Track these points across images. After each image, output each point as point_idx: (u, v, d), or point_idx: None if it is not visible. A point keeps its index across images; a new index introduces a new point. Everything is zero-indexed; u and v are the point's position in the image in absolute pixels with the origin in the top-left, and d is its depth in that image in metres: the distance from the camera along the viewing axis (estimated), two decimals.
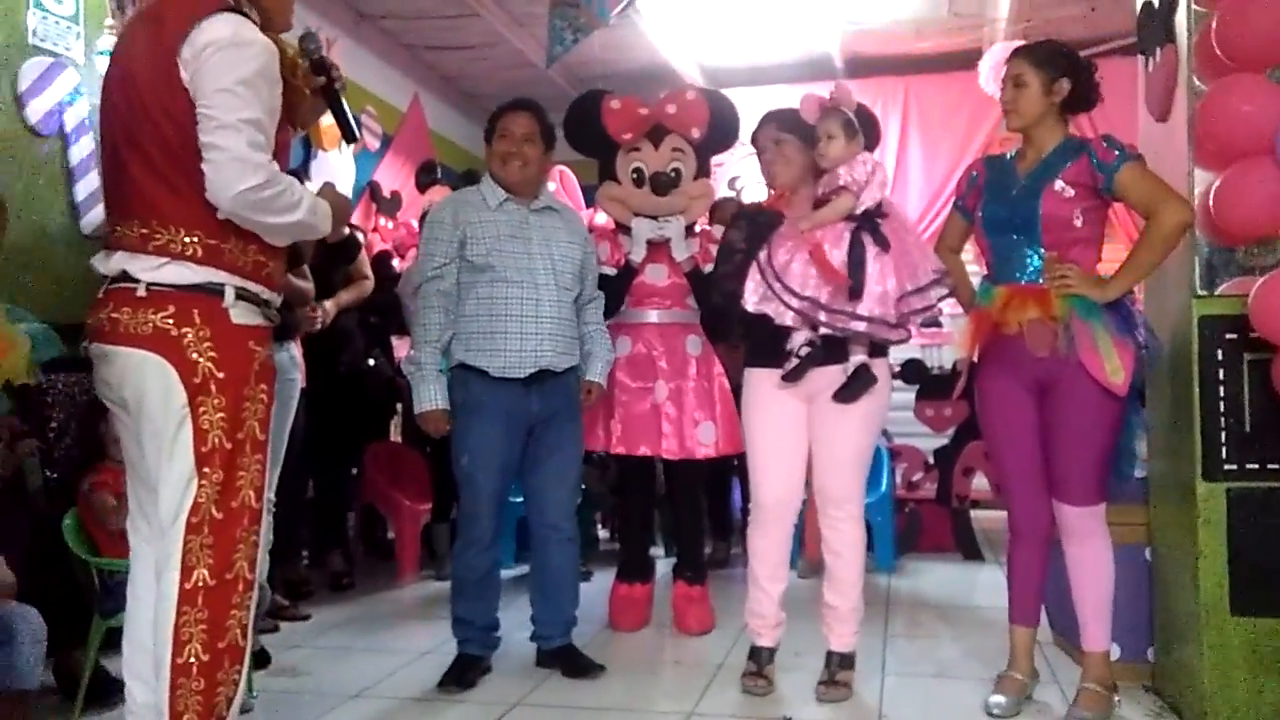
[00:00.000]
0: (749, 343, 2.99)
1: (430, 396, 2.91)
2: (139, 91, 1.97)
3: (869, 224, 2.69)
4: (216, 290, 1.98)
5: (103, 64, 3.68)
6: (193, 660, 1.92)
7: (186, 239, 1.97)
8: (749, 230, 2.87)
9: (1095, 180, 2.49)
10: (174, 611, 1.92)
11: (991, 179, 2.68)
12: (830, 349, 2.73)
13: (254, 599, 2.01)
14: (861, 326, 2.66)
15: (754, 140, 2.95)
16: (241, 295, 2.01)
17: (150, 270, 1.97)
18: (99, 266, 2.06)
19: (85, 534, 2.80)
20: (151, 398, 1.96)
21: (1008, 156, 2.70)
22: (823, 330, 2.71)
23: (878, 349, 2.79)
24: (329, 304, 3.81)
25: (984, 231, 2.67)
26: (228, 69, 1.92)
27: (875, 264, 2.64)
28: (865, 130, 2.80)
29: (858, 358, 2.73)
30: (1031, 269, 2.56)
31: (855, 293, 2.63)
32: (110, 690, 2.84)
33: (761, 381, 2.87)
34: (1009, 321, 2.54)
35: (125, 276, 1.99)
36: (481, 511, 2.96)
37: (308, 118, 2.43)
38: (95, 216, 3.59)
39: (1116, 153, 2.47)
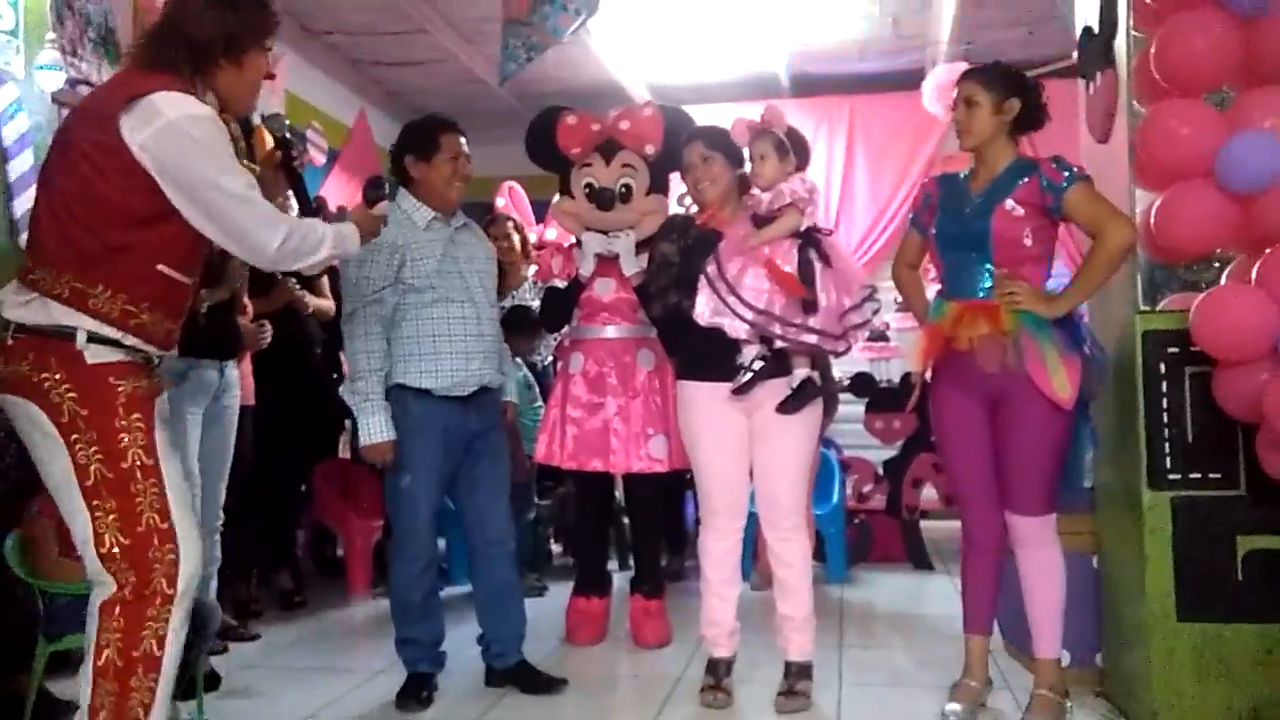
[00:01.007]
0: (683, 356, 3.03)
1: (379, 428, 2.87)
2: (72, 141, 2.08)
3: (812, 240, 2.75)
4: (68, 334, 2.04)
5: (43, 79, 3.60)
6: (106, 664, 2.03)
7: (59, 279, 2.04)
8: (683, 244, 2.92)
9: (1045, 200, 2.56)
10: (96, 622, 2.04)
11: (945, 197, 2.75)
12: (776, 362, 2.78)
13: (174, 612, 2.07)
14: (813, 339, 2.71)
15: (680, 157, 2.99)
16: (95, 339, 2.06)
17: (17, 307, 2.06)
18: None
19: (28, 556, 2.72)
20: (32, 439, 2.07)
21: (961, 176, 2.76)
22: (777, 344, 2.75)
23: (817, 362, 2.85)
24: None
25: (938, 248, 2.74)
26: (191, 146, 2.02)
27: (822, 278, 2.71)
28: (797, 151, 2.86)
29: (801, 371, 2.78)
30: (983, 286, 2.62)
31: (811, 306, 2.67)
32: (55, 713, 2.77)
33: (700, 395, 2.90)
34: (961, 337, 2.60)
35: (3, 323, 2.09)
36: (423, 530, 2.95)
37: (270, 192, 2.48)
38: None
39: (1066, 174, 2.54)
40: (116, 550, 2.02)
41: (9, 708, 2.75)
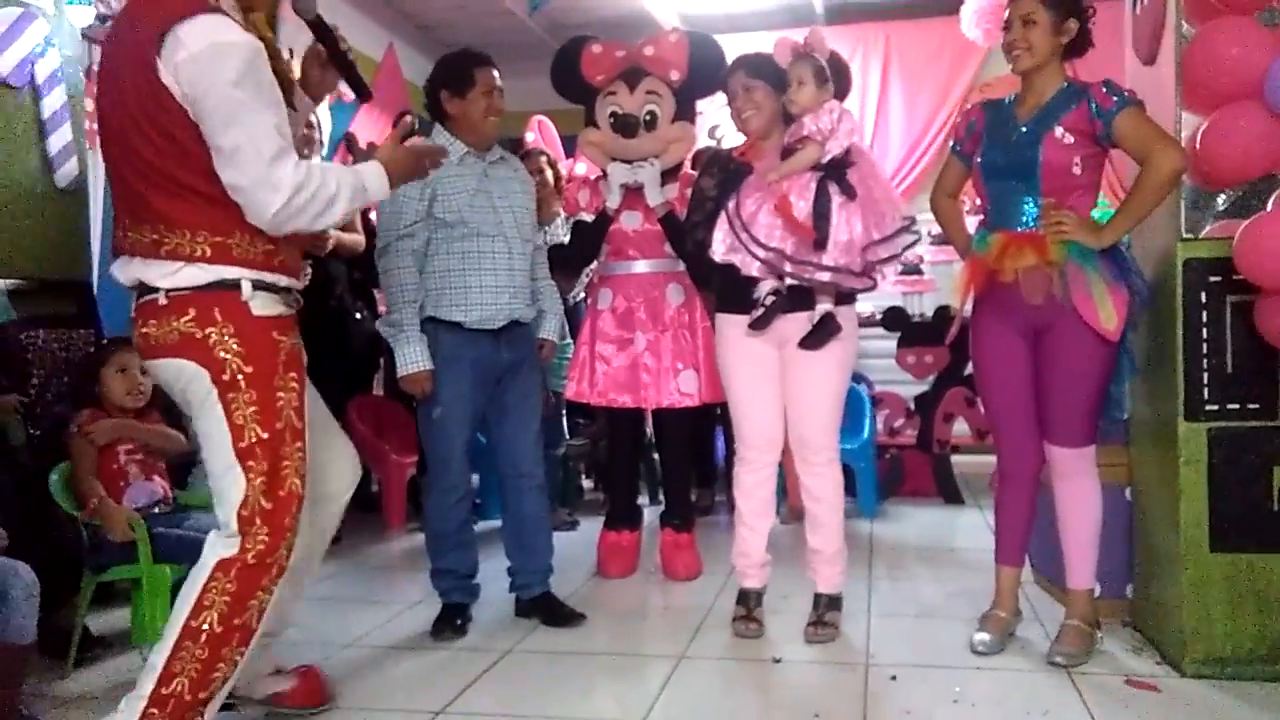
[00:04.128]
0: (719, 288, 3.01)
1: (415, 358, 2.89)
2: (125, 102, 1.96)
3: (835, 173, 2.69)
4: (232, 285, 2.01)
5: (73, 14, 3.59)
6: (205, 627, 1.98)
7: (195, 240, 1.99)
8: (720, 178, 2.88)
9: (1094, 127, 2.48)
10: (206, 576, 1.99)
11: (991, 125, 2.67)
12: (796, 297, 2.76)
13: (282, 585, 2.06)
14: (826, 276, 2.68)
15: (725, 86, 2.93)
16: (259, 286, 2.03)
17: (167, 276, 2.00)
18: (117, 275, 2.09)
19: (74, 490, 2.79)
20: (187, 399, 2.05)
21: (1006, 101, 2.68)
22: (788, 280, 2.72)
23: (845, 296, 2.81)
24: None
25: (982, 177, 2.66)
26: (215, 81, 1.89)
27: (841, 213, 2.65)
28: (837, 79, 2.79)
29: (824, 306, 2.75)
30: (1029, 216, 2.56)
31: (820, 243, 2.64)
32: (93, 647, 2.86)
33: (732, 326, 2.89)
34: (1006, 269, 2.55)
35: (144, 287, 2.04)
36: (456, 461, 2.98)
37: (317, 90, 2.35)
38: (70, 170, 3.53)
39: (1116, 99, 2.46)
40: (259, 515, 2.00)
41: (47, 642, 2.84)
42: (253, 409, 2.00)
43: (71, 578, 2.81)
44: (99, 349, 2.93)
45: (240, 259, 2.01)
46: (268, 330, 2.04)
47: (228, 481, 2.01)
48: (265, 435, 2.01)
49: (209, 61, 1.89)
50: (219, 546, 2.02)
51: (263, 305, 2.04)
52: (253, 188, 1.94)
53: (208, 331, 1.99)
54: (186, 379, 2.01)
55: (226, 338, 1.99)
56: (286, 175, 1.94)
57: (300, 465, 2.05)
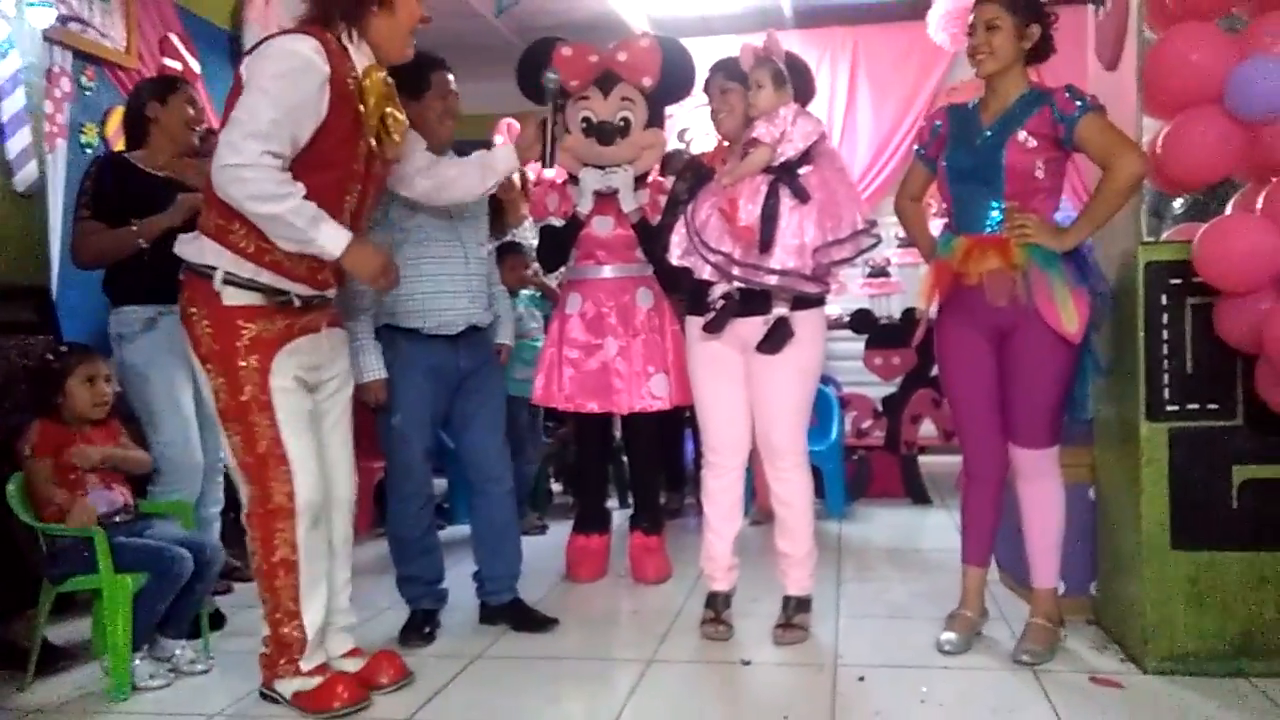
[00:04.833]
0: (687, 293, 3.02)
1: (370, 366, 2.87)
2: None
3: (787, 176, 2.70)
4: (207, 274, 2.33)
5: (34, 16, 3.53)
6: (257, 568, 2.44)
7: (209, 216, 2.35)
8: (691, 182, 2.90)
9: (1056, 131, 2.51)
10: (247, 534, 2.45)
11: (955, 129, 2.69)
12: (751, 301, 2.76)
13: (299, 523, 2.39)
14: (774, 280, 2.69)
15: (705, 88, 2.95)
16: (231, 280, 2.32)
17: (184, 244, 2.40)
18: None
19: (30, 499, 2.74)
20: (191, 364, 2.46)
21: (970, 106, 2.70)
22: (737, 284, 2.74)
23: (808, 300, 2.80)
24: None
25: (947, 181, 2.68)
26: (254, 74, 2.24)
27: (792, 216, 2.66)
28: (798, 81, 2.80)
29: (779, 310, 2.75)
30: (993, 219, 2.58)
31: (764, 247, 2.65)
32: (55, 658, 2.81)
33: (697, 329, 2.90)
34: (970, 272, 2.57)
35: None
36: (417, 468, 2.97)
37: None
38: (29, 173, 3.48)
39: (1078, 103, 2.48)
40: (244, 468, 2.38)
41: (7, 653, 2.79)
42: (221, 379, 2.35)
43: (29, 588, 2.76)
44: (62, 356, 2.84)
45: (234, 245, 2.30)
46: (234, 318, 2.33)
47: (222, 438, 2.41)
48: (233, 403, 2.34)
49: (267, 55, 2.25)
50: (245, 504, 2.43)
51: (234, 297, 2.32)
52: (224, 142, 2.22)
53: (191, 311, 2.36)
54: (186, 345, 2.41)
55: (202, 319, 2.34)
56: (253, 150, 2.18)
57: (270, 430, 2.35)
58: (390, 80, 2.44)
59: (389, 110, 2.41)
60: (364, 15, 2.35)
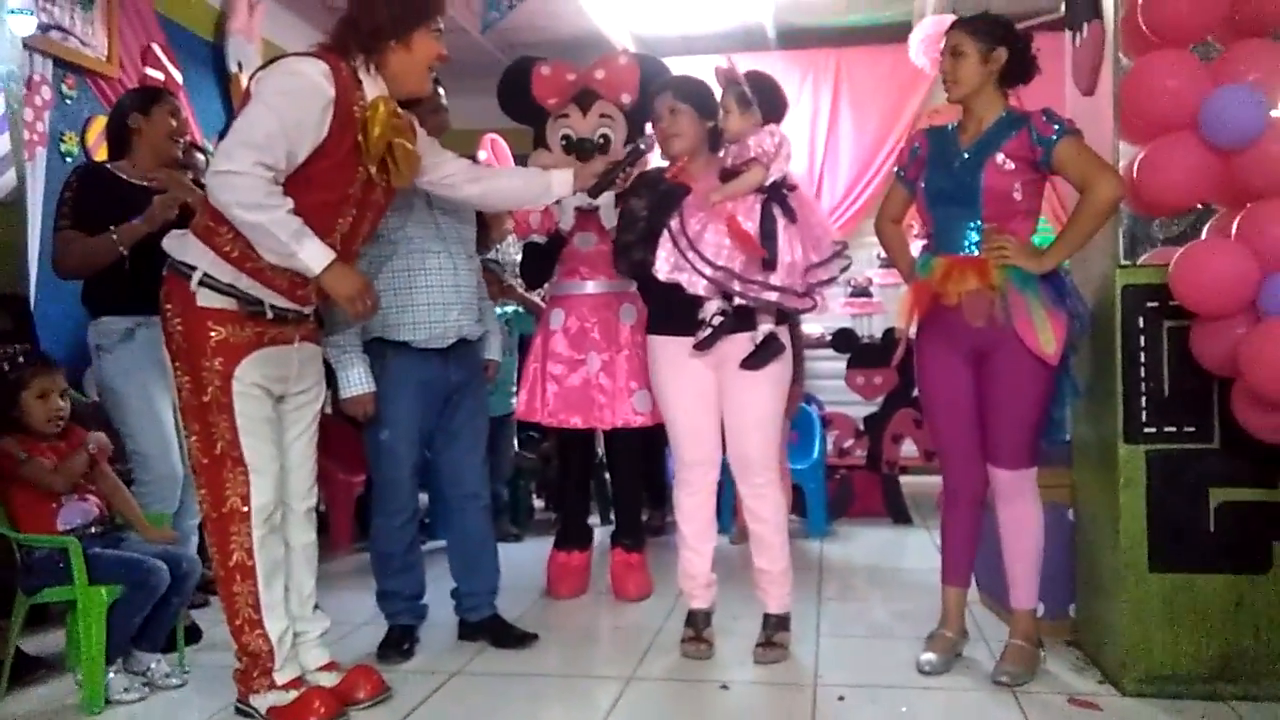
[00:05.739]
0: (651, 310, 3.02)
1: (358, 380, 2.85)
2: None
3: (777, 195, 2.72)
4: (186, 274, 2.36)
5: (14, 23, 3.51)
6: (220, 574, 2.43)
7: (201, 216, 2.40)
8: (650, 198, 2.88)
9: (1034, 154, 2.54)
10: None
11: (934, 151, 2.71)
12: (739, 318, 2.77)
13: (254, 528, 2.40)
14: (774, 296, 2.70)
15: (652, 105, 2.95)
16: (207, 283, 2.35)
17: (173, 238, 2.44)
18: None
19: (5, 509, 2.71)
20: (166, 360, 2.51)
21: (949, 128, 2.73)
22: (736, 300, 2.74)
23: (783, 317, 2.84)
24: None
25: (926, 203, 2.71)
26: (261, 88, 2.30)
27: (785, 234, 2.69)
28: (768, 98, 2.80)
29: (765, 326, 2.77)
30: (971, 240, 2.60)
31: (769, 263, 2.67)
32: (28, 669, 2.77)
33: (668, 349, 2.89)
34: (949, 293, 2.59)
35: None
36: (404, 484, 2.95)
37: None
38: (8, 181, 3.45)
39: (1055, 127, 2.52)
40: (199, 470, 2.40)
41: None
42: (185, 378, 2.39)
43: (3, 600, 2.72)
44: (16, 368, 2.75)
45: (218, 247, 2.34)
46: (203, 320, 2.36)
47: (182, 433, 2.51)
48: (194, 402, 2.38)
49: (276, 71, 2.33)
50: (200, 513, 2.46)
51: (207, 299, 2.36)
52: (221, 149, 2.31)
53: (166, 307, 2.40)
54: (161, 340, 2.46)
55: (175, 316, 2.39)
56: (246, 158, 2.22)
57: (229, 432, 2.36)
58: (403, 113, 2.46)
59: (398, 141, 2.42)
60: (381, 50, 2.40)
